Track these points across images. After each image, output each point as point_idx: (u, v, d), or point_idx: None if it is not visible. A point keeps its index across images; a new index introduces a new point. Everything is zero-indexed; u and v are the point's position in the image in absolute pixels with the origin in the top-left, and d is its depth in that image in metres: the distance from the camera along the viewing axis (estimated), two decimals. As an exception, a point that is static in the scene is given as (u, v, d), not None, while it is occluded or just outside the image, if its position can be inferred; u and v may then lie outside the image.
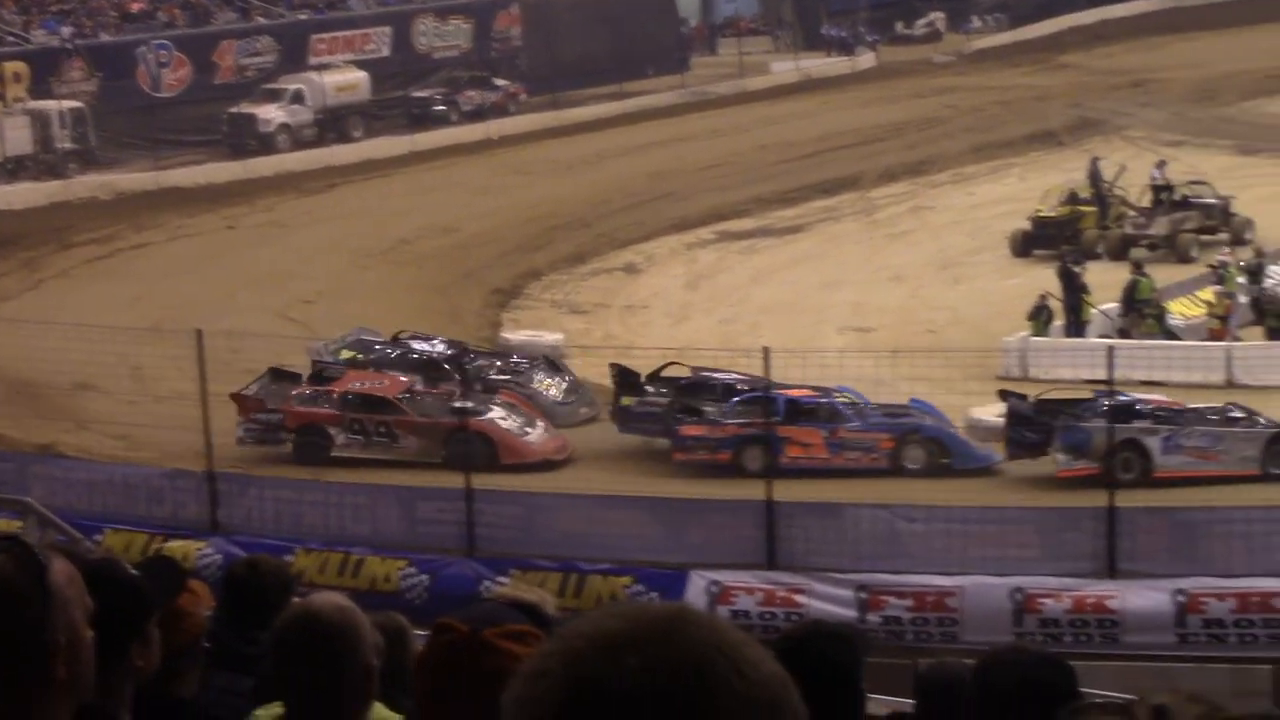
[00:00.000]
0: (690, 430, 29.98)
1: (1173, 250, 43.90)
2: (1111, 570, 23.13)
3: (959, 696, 5.60)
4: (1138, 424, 28.69)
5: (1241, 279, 39.26)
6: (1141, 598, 22.68)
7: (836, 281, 44.28)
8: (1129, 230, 44.80)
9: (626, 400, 31.39)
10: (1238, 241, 43.86)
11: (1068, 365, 34.60)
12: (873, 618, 23.04)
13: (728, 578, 23.71)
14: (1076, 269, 38.90)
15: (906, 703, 7.22)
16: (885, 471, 29.59)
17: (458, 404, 29.90)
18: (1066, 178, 48.42)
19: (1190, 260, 43.16)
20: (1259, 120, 59.86)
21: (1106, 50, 73.06)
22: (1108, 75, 68.20)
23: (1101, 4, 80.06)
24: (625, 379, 31.76)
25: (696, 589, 23.53)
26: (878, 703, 8.62)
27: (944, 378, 31.79)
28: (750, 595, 23.45)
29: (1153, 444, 28.69)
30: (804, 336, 37.13)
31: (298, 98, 59.97)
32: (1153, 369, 33.89)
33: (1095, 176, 47.39)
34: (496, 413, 30.61)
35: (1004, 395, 30.46)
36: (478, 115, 63.38)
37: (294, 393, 30.98)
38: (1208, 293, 38.80)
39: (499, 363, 34.18)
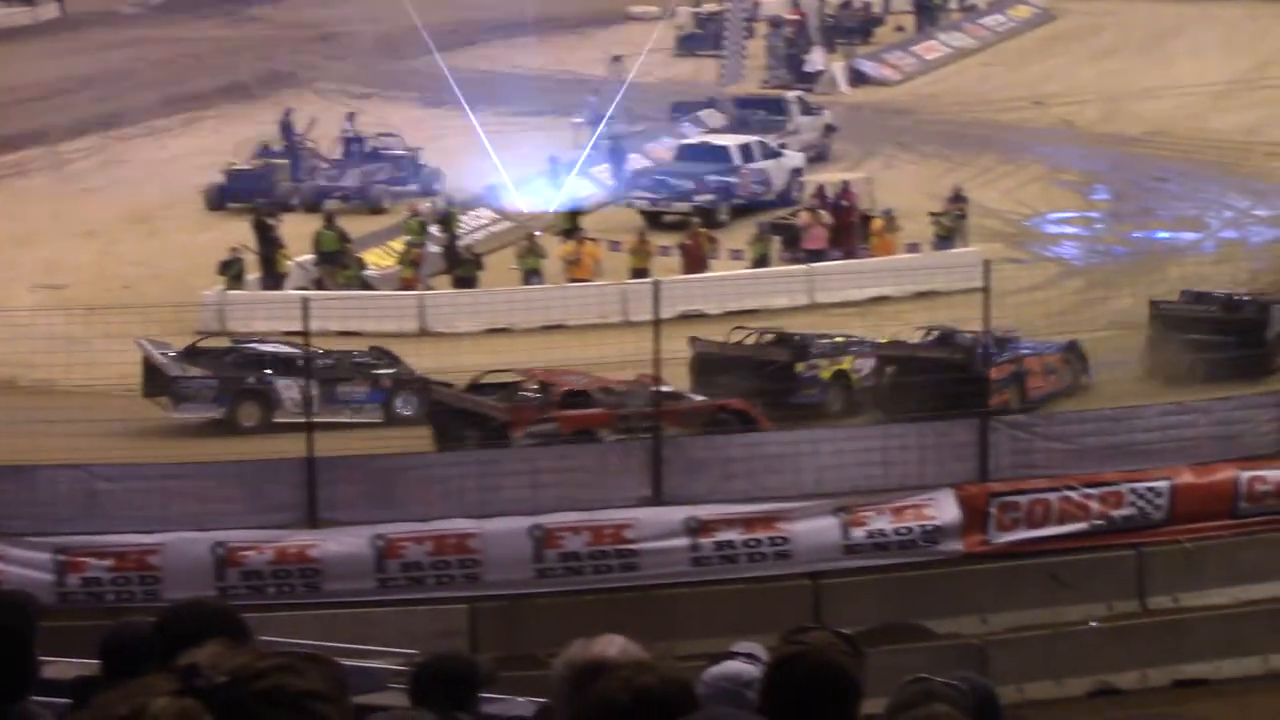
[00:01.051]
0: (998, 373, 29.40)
1: (365, 201, 44.61)
2: (313, 520, 23.31)
3: (143, 654, 5.48)
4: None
5: (433, 228, 40.27)
6: (341, 545, 22.96)
7: (26, 238, 42.85)
8: (322, 182, 45.23)
9: (854, 379, 30.40)
10: (427, 192, 44.97)
11: (265, 318, 34.63)
12: (72, 579, 22.48)
13: (-84, 548, 22.64)
14: (271, 221, 39.00)
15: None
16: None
17: (662, 389, 27.49)
18: (259, 130, 48.45)
19: (382, 211, 44.02)
20: (442, 73, 61.41)
21: (294, 3, 73.36)
22: (296, 28, 68.52)
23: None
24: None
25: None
26: (69, 665, 8.38)
27: (141, 334, 31.23)
28: (-61, 564, 22.46)
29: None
30: (-7, 296, 35.86)
31: None
32: (348, 319, 34.32)
33: (287, 129, 47.63)
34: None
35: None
36: None
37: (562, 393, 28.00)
38: (399, 243, 39.63)
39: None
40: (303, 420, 28.33)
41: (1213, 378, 29.86)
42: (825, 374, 30.53)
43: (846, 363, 30.73)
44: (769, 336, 31.51)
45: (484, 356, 30.28)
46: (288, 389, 30.05)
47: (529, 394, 28.51)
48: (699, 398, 28.32)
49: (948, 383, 27.65)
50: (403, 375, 30.97)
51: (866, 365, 30.64)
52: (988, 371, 28.81)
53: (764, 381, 29.52)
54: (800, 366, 30.36)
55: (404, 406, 30.63)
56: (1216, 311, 31.87)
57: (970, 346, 29.56)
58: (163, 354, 30.40)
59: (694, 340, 30.68)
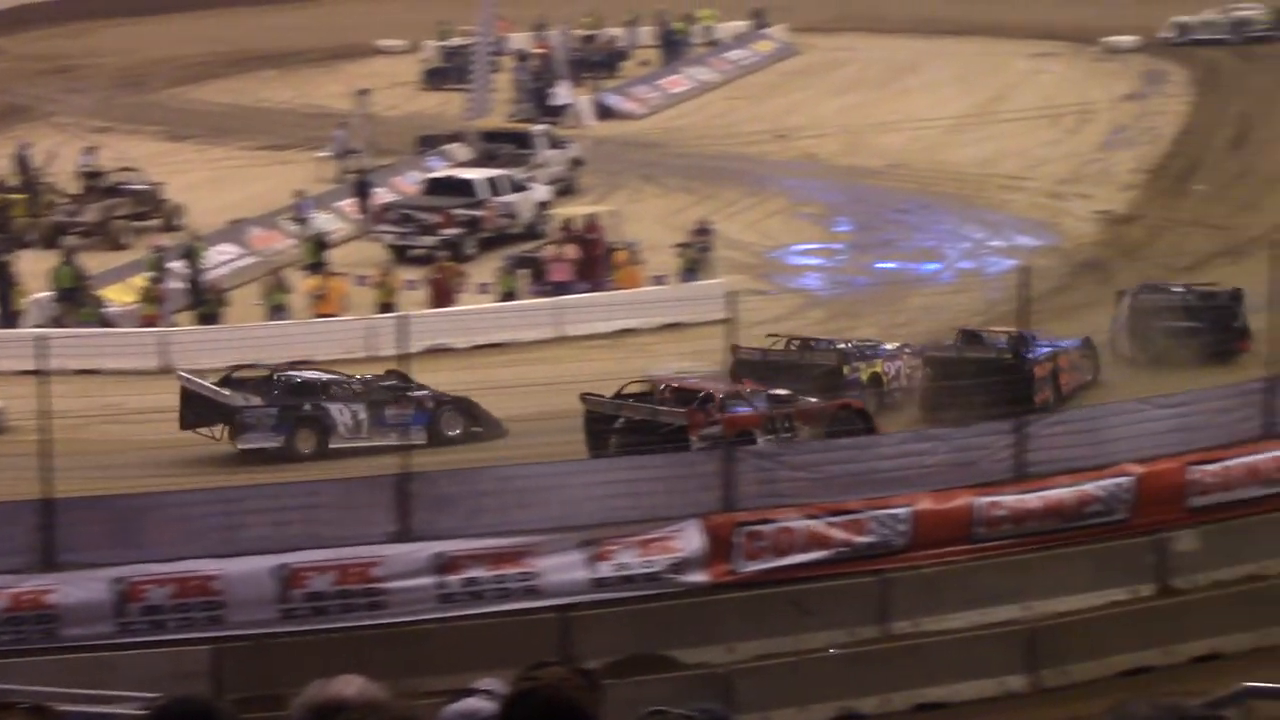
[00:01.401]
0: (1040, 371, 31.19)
1: (106, 237, 43.89)
2: (50, 563, 22.78)
3: None
4: None
5: (175, 264, 39.71)
6: (80, 589, 22.44)
7: None
8: (60, 218, 44.41)
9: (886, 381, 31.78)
10: (170, 227, 44.38)
11: (0, 357, 33.91)
12: None
13: None
14: (6, 258, 38.22)
15: None
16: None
17: (776, 392, 29.23)
18: (-5, 164, 47.51)
19: (123, 246, 43.35)
20: (186, 106, 60.73)
21: (31, 35, 72.02)
22: (33, 60, 67.26)
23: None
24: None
25: None
26: None
27: None
28: None
29: None
30: None
31: None
32: (88, 356, 33.70)
33: (24, 163, 46.72)
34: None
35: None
36: None
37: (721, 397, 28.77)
38: (141, 279, 39.02)
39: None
40: (357, 445, 29.62)
41: (1190, 362, 31.81)
42: (864, 376, 31.70)
43: (878, 365, 32.04)
44: (795, 342, 32.60)
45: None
46: (341, 414, 30.07)
47: (667, 400, 29.16)
48: (814, 399, 29.27)
49: (993, 384, 28.73)
50: (443, 396, 30.87)
51: (893, 367, 32.09)
52: (1032, 370, 30.74)
53: (811, 385, 30.22)
54: (845, 370, 31.37)
55: (449, 427, 30.56)
56: (1192, 299, 34.08)
57: (1012, 347, 31.16)
58: (214, 386, 30.05)
59: (735, 348, 31.40)
